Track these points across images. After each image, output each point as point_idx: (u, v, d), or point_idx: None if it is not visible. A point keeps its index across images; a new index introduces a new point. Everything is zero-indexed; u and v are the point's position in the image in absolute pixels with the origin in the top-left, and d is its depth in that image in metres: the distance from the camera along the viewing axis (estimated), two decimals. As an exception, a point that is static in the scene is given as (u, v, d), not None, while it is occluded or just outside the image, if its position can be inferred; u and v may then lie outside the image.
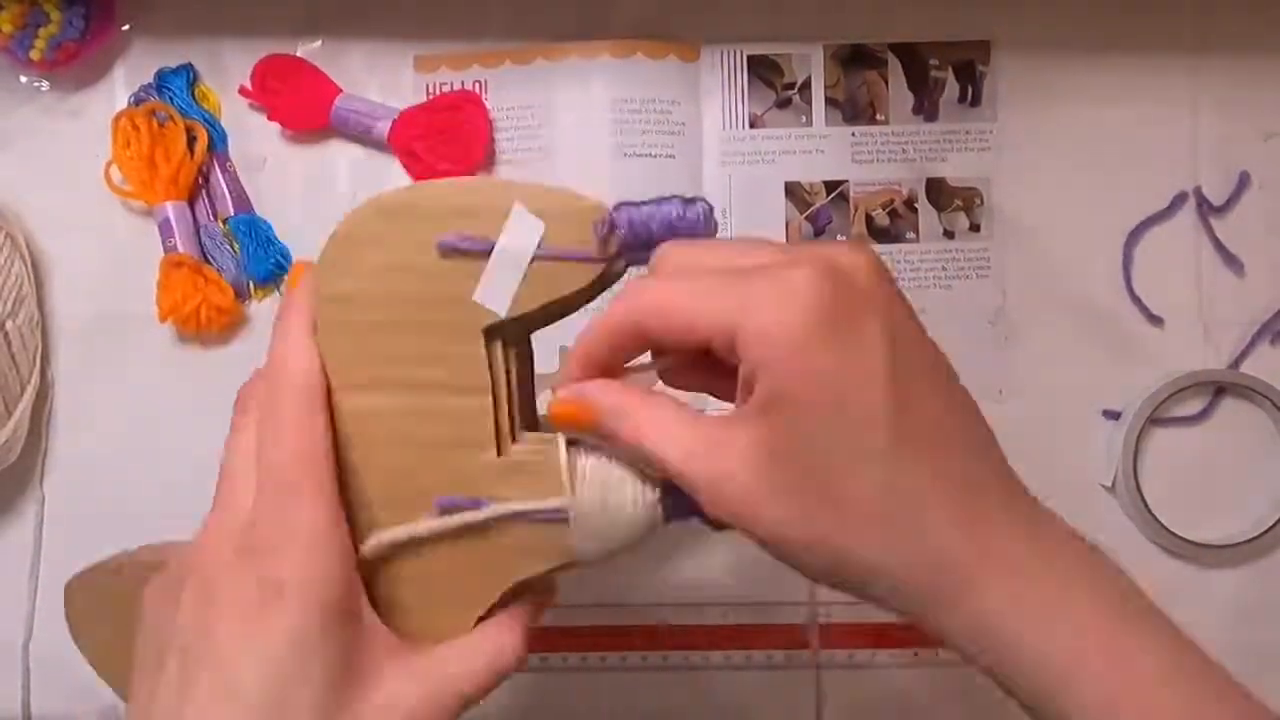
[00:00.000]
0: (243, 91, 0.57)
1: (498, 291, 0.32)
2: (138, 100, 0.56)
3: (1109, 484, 0.56)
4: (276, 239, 0.56)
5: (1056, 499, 0.56)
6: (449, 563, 0.33)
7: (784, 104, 0.57)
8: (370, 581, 0.33)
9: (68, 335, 0.56)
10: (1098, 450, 0.56)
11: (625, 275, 0.35)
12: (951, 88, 0.57)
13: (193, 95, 0.57)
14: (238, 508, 0.31)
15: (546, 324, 0.35)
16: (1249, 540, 0.55)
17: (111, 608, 0.36)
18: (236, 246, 0.56)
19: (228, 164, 0.57)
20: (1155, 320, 0.56)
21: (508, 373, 0.33)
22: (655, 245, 0.32)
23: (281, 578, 0.29)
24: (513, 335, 0.34)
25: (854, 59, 0.57)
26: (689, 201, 0.32)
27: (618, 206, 0.32)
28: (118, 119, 0.55)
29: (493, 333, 0.33)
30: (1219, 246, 0.56)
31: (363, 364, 0.32)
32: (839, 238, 0.57)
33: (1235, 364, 0.56)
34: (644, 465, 0.33)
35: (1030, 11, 0.57)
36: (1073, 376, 0.56)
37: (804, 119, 0.57)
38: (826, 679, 0.55)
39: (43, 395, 0.56)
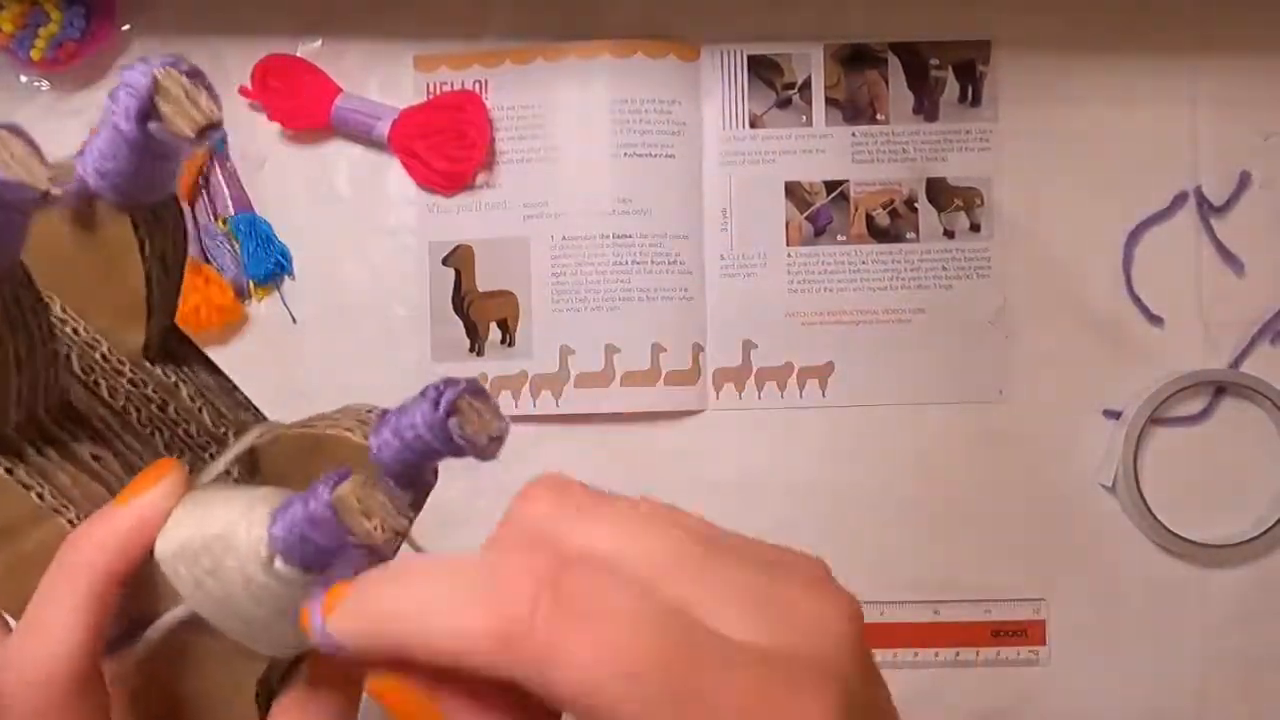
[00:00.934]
0: (243, 91, 0.57)
1: None
2: (138, 100, 0.56)
3: (1109, 484, 0.55)
4: (276, 239, 0.56)
5: (1056, 499, 0.56)
6: (179, 702, 0.26)
7: (784, 104, 0.57)
8: None
9: (68, 335, 0.56)
10: (1098, 450, 0.56)
11: None
12: (951, 87, 0.57)
13: (193, 95, 0.57)
14: None
15: (122, 347, 0.28)
16: (1249, 540, 0.55)
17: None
18: (236, 246, 0.56)
19: (228, 164, 0.57)
20: (1155, 320, 0.56)
21: (75, 462, 0.26)
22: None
23: None
24: (55, 413, 0.26)
25: (854, 59, 0.57)
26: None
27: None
28: (118, 119, 0.55)
29: (8, 443, 0.25)
30: (1219, 246, 0.56)
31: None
32: (839, 238, 0.57)
33: (1235, 364, 0.56)
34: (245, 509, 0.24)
35: (1030, 11, 0.56)
36: (1073, 376, 0.56)
37: (804, 119, 0.57)
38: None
39: (43, 395, 0.56)
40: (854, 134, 0.57)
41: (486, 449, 0.24)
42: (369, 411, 0.27)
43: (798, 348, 0.57)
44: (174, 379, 0.29)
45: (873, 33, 0.57)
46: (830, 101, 0.57)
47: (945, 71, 0.57)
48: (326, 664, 0.25)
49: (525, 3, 0.57)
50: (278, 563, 0.22)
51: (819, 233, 0.57)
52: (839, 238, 0.57)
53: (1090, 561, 0.56)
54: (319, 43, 0.57)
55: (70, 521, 0.25)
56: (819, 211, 0.57)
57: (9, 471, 0.25)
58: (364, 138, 0.56)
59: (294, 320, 0.57)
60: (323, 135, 0.57)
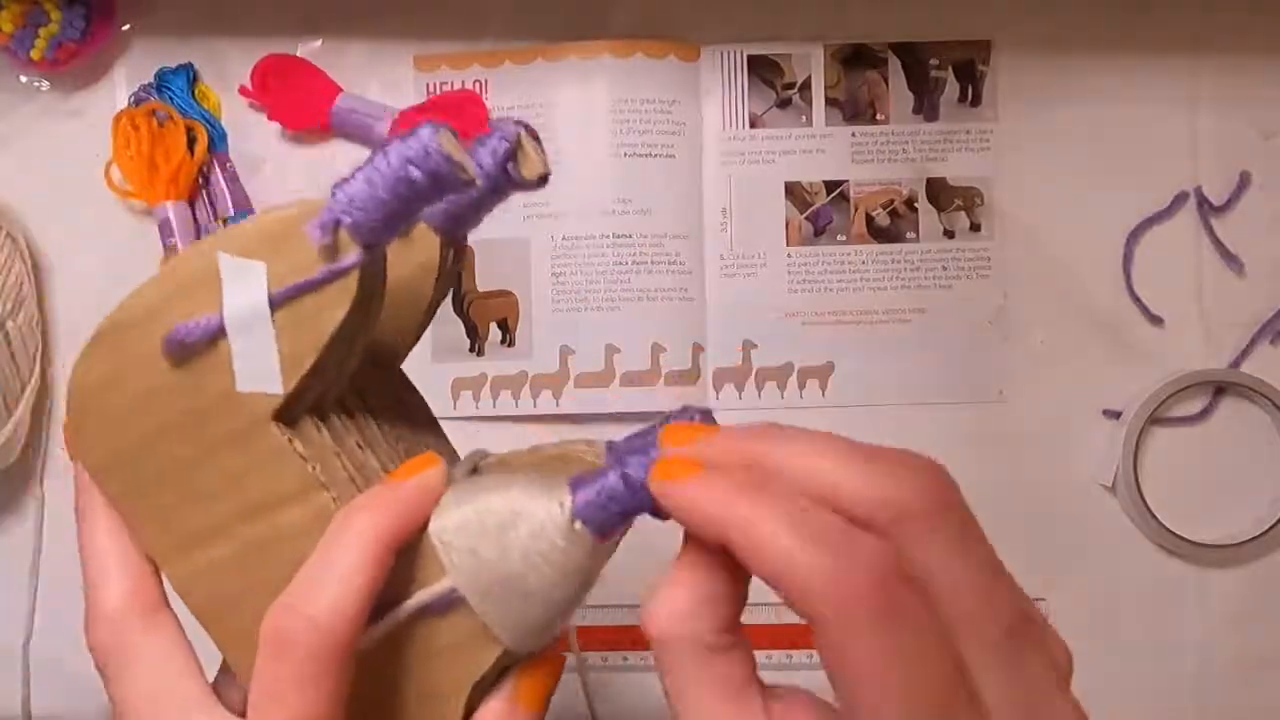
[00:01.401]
0: (243, 91, 0.57)
1: (258, 370, 0.25)
2: (138, 100, 0.56)
3: (1109, 484, 0.56)
4: (276, 239, 0.56)
5: (1056, 499, 0.56)
6: (390, 695, 0.27)
7: (784, 104, 0.57)
8: None
9: (68, 335, 0.56)
10: (1098, 450, 0.56)
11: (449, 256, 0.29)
12: (951, 88, 0.57)
13: (193, 95, 0.57)
14: None
15: (386, 354, 0.30)
16: (1249, 540, 0.55)
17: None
18: (236, 246, 0.56)
19: (228, 164, 0.57)
20: (1155, 320, 0.56)
21: (343, 447, 0.27)
22: (404, 212, 0.24)
23: None
24: (332, 401, 0.27)
25: (854, 59, 0.57)
26: (407, 136, 0.24)
27: (333, 189, 0.24)
28: (118, 119, 0.55)
29: (295, 415, 0.26)
30: (1219, 246, 0.56)
31: (178, 525, 0.27)
32: (839, 238, 0.57)
33: (1235, 364, 0.56)
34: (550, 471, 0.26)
35: (1030, 11, 0.57)
36: (1073, 376, 0.56)
37: (804, 119, 0.57)
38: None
39: (43, 395, 0.56)
40: (854, 134, 0.57)
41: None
42: (592, 443, 0.29)
43: (798, 348, 0.57)
44: (414, 399, 0.31)
45: (873, 33, 0.57)
46: (830, 101, 0.57)
47: (945, 71, 0.57)
48: (530, 679, 0.27)
49: (525, 3, 0.57)
50: (578, 524, 0.24)
51: (819, 233, 0.57)
52: (839, 238, 0.57)
53: (1090, 561, 0.56)
54: (319, 43, 0.57)
55: (333, 500, 0.26)
56: (819, 211, 0.57)
57: (290, 442, 0.25)
58: (364, 138, 0.56)
59: (294, 320, 0.57)
60: (323, 135, 0.57)
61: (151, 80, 0.57)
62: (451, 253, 0.29)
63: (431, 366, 0.56)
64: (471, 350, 0.56)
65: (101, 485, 0.28)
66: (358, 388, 0.29)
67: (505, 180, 0.26)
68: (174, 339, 0.25)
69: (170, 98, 0.56)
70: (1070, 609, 0.55)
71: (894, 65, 0.57)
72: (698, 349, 0.57)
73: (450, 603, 0.25)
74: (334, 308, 0.24)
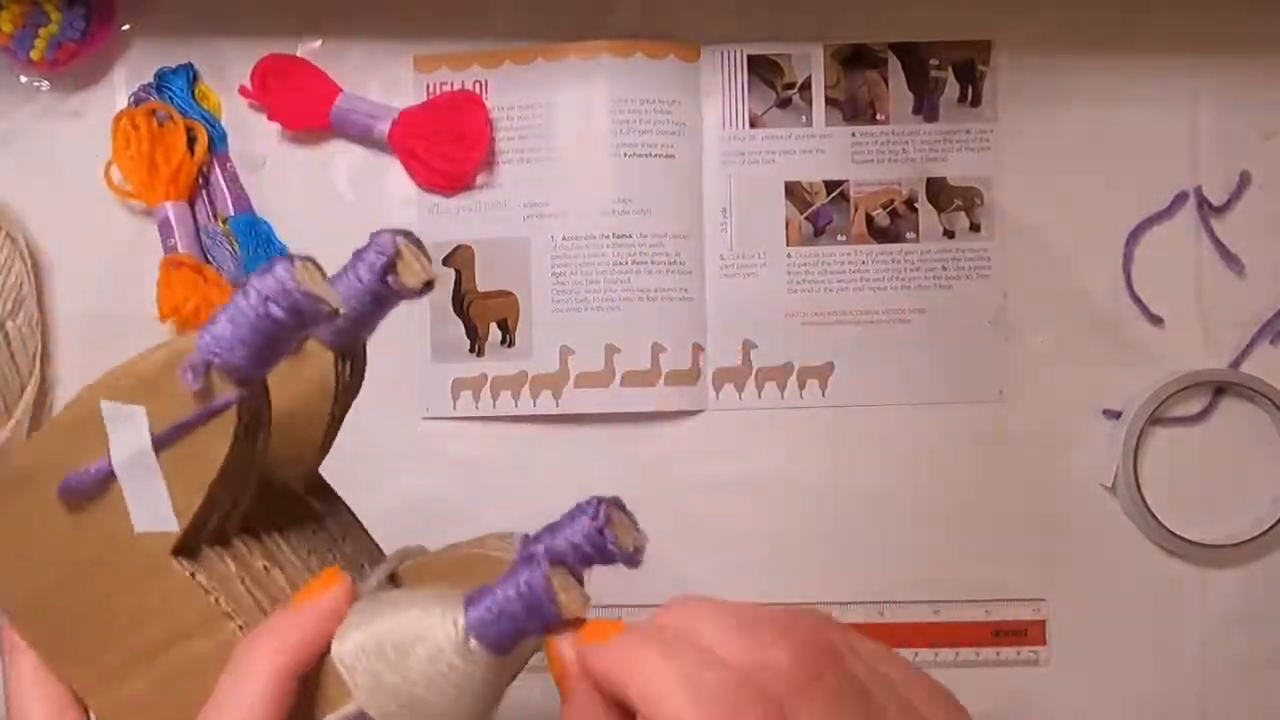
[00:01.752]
0: (243, 91, 0.57)
1: (152, 508, 0.25)
2: (138, 100, 0.56)
3: (1109, 484, 0.56)
4: (276, 239, 0.56)
5: (1056, 499, 0.56)
6: None
7: (784, 104, 0.57)
8: None
9: (68, 335, 0.56)
10: (1098, 450, 0.56)
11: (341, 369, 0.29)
12: (951, 88, 0.57)
13: (193, 95, 0.57)
14: None
15: (292, 467, 0.31)
16: (1249, 540, 0.55)
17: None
18: (236, 246, 0.56)
19: (228, 164, 0.57)
20: (1155, 320, 0.56)
21: (249, 571, 0.27)
22: (278, 346, 0.24)
23: None
24: (235, 527, 0.28)
25: (854, 59, 0.57)
26: (264, 272, 0.23)
27: (200, 332, 0.24)
28: (118, 119, 0.55)
29: (194, 547, 0.27)
30: (1219, 246, 0.56)
31: (92, 661, 0.28)
32: (839, 238, 0.57)
33: (1235, 364, 0.56)
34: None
35: (1030, 11, 0.56)
36: (1073, 376, 0.56)
37: (804, 119, 0.57)
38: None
39: (43, 395, 0.56)
40: (854, 134, 0.57)
41: (633, 558, 0.27)
42: (507, 536, 0.29)
43: (798, 348, 0.57)
44: (322, 510, 0.32)
45: (873, 33, 0.57)
46: (830, 101, 0.57)
47: (945, 72, 0.57)
48: None
49: (525, 3, 0.57)
50: (472, 643, 0.25)
51: (819, 233, 0.57)
52: (839, 238, 0.57)
53: (1090, 561, 0.56)
54: (319, 43, 0.57)
55: (240, 628, 0.26)
56: (819, 211, 0.57)
57: (192, 576, 0.26)
58: (364, 138, 0.56)
59: (294, 320, 0.57)
60: (323, 135, 0.57)
61: (151, 80, 0.57)
62: (348, 365, 0.29)
63: (431, 366, 0.56)
64: (471, 350, 0.56)
65: (20, 629, 0.28)
66: (265, 508, 0.29)
67: (386, 291, 0.26)
68: (67, 486, 0.26)
69: (170, 98, 0.56)
70: (1070, 609, 0.55)
71: (894, 65, 0.57)
72: (698, 349, 0.57)
73: None
74: (217, 444, 0.25)
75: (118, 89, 0.57)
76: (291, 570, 0.28)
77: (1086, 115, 0.57)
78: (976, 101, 0.57)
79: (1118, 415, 0.56)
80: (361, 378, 0.30)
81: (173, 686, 0.27)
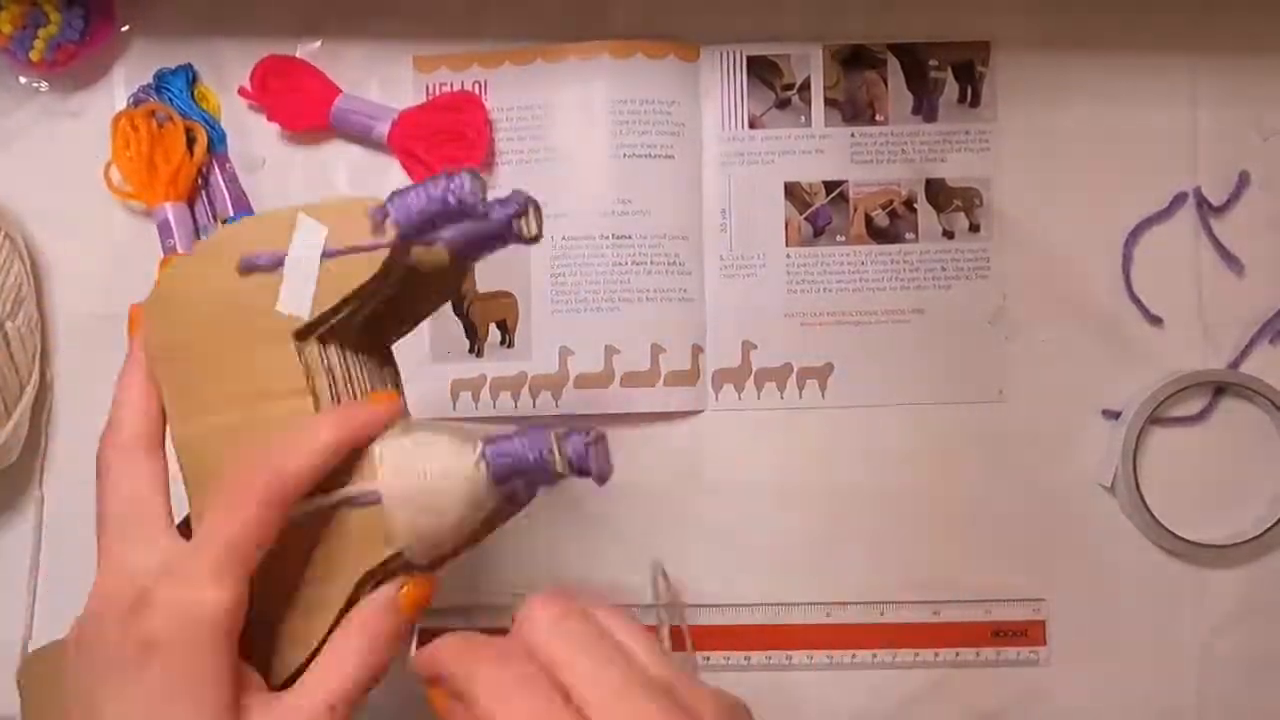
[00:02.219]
0: (242, 92, 0.57)
1: (297, 297, 0.33)
2: (137, 101, 0.56)
3: (1109, 484, 0.56)
4: (276, 239, 0.56)
5: (1056, 499, 0.56)
6: (296, 566, 0.34)
7: (784, 104, 0.57)
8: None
9: (68, 335, 0.56)
10: (1098, 450, 0.56)
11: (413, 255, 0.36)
12: (951, 88, 0.57)
13: (192, 96, 0.57)
14: (115, 569, 0.33)
15: (386, 329, 0.38)
16: (1249, 540, 0.55)
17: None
18: (236, 247, 0.56)
19: (227, 164, 0.57)
20: (1155, 320, 0.56)
21: (333, 373, 0.35)
22: (435, 224, 0.33)
23: (153, 635, 0.30)
24: (343, 339, 0.35)
25: (854, 59, 0.57)
26: (451, 175, 0.33)
27: (391, 195, 0.33)
28: (117, 120, 0.55)
29: (308, 337, 0.34)
30: (1219, 246, 0.56)
31: (196, 395, 0.35)
32: (838, 238, 0.57)
33: (1235, 364, 0.56)
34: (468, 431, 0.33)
35: (1030, 11, 0.57)
36: (1073, 376, 0.56)
37: (803, 119, 0.57)
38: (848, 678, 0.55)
39: (42, 395, 0.56)
40: (853, 134, 0.57)
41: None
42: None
43: (797, 348, 0.57)
44: (393, 369, 0.40)
45: (872, 33, 0.57)
46: (829, 102, 0.57)
47: (944, 72, 0.57)
48: (414, 586, 0.34)
49: (525, 3, 0.57)
50: (482, 466, 0.32)
51: (818, 233, 0.57)
52: (838, 238, 0.57)
53: (1090, 561, 0.56)
54: (319, 43, 0.57)
55: (313, 406, 0.34)
56: (818, 212, 0.57)
57: (298, 355, 0.34)
58: (364, 138, 0.56)
59: (294, 321, 0.57)
60: (322, 136, 0.57)
61: (151, 81, 0.57)
62: (455, 268, 0.36)
63: (431, 367, 0.56)
64: (471, 351, 0.56)
65: (153, 356, 0.35)
66: (365, 343, 0.37)
67: (507, 229, 0.34)
68: (248, 260, 0.34)
69: (170, 98, 0.56)
70: (1070, 609, 0.55)
71: (893, 66, 0.57)
72: (697, 349, 0.57)
73: (369, 501, 0.33)
74: (364, 270, 0.33)
75: (117, 90, 0.57)
76: (359, 388, 0.36)
77: (1086, 115, 0.57)
78: (976, 102, 0.57)
79: (1117, 415, 0.56)
80: (459, 287, 0.41)
81: (243, 433, 0.34)
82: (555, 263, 0.56)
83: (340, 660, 0.32)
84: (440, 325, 0.56)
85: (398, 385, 0.40)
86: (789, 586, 0.56)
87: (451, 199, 0.33)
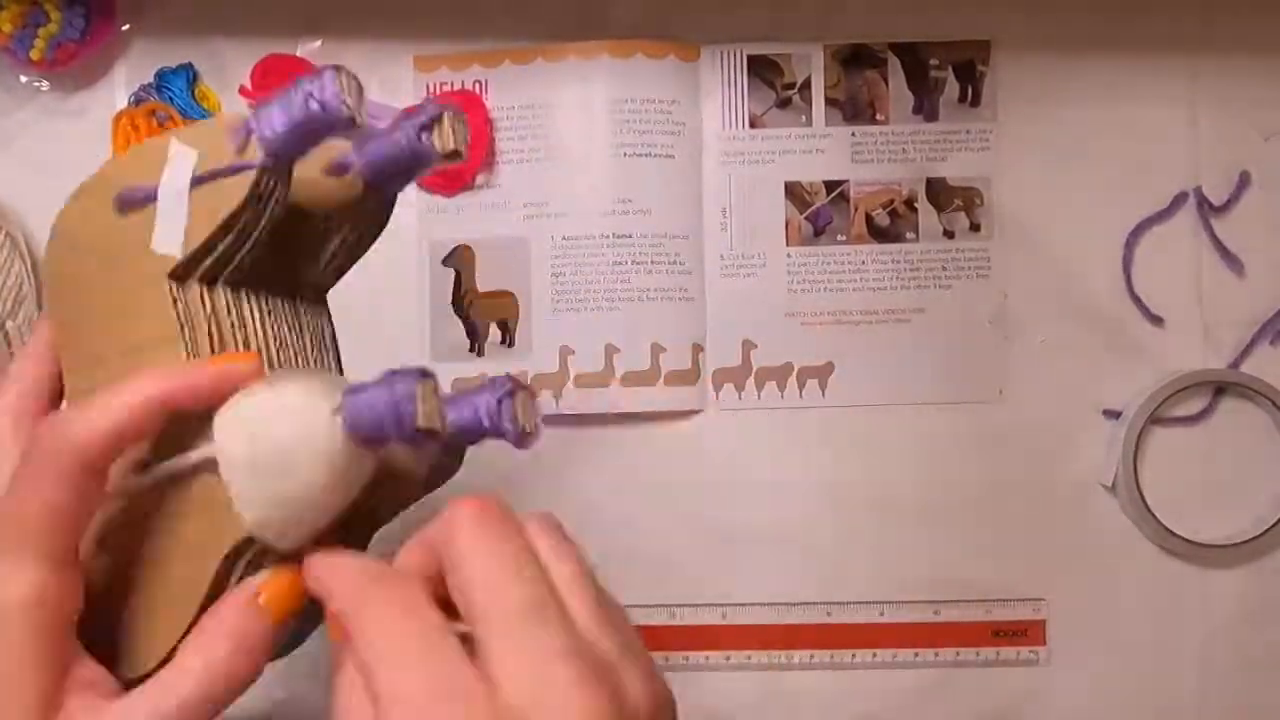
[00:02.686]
0: (243, 91, 0.56)
1: (170, 232, 0.30)
2: (138, 100, 0.56)
3: (1109, 484, 0.55)
4: (276, 239, 0.56)
5: (1056, 499, 0.56)
6: (151, 546, 0.30)
7: (784, 104, 0.57)
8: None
9: (68, 335, 0.56)
10: (1098, 450, 0.56)
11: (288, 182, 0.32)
12: (951, 88, 0.57)
13: (193, 95, 0.57)
14: None
15: (301, 269, 0.35)
16: (1249, 540, 0.55)
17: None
18: (236, 246, 0.56)
19: (228, 164, 0.57)
20: (1155, 320, 0.56)
21: (218, 321, 0.31)
22: (311, 138, 0.30)
23: None
24: (238, 280, 0.32)
25: (854, 59, 0.57)
26: (316, 75, 0.29)
27: (253, 107, 0.30)
28: (118, 119, 0.55)
29: (187, 278, 0.31)
30: (1219, 246, 0.56)
31: (85, 345, 0.32)
32: (839, 238, 0.57)
33: (1235, 364, 0.56)
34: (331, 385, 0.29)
35: (1030, 11, 0.57)
36: (1073, 376, 0.56)
37: (804, 119, 0.57)
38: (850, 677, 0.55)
39: (43, 395, 0.56)
40: (854, 134, 0.57)
41: (525, 438, 0.31)
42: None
43: (798, 348, 0.57)
44: (308, 318, 0.36)
45: (873, 33, 0.57)
46: (830, 101, 0.57)
47: (945, 71, 0.57)
48: (278, 577, 0.30)
49: (525, 3, 0.57)
50: (338, 420, 0.28)
51: (819, 233, 0.57)
52: (839, 238, 0.57)
53: (1090, 561, 0.56)
54: (319, 43, 0.57)
55: (187, 356, 0.30)
56: (819, 211, 0.57)
57: (173, 300, 0.30)
58: (363, 138, 0.56)
59: (294, 320, 0.57)
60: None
61: (151, 80, 0.57)
62: (374, 199, 0.33)
63: (431, 367, 0.56)
64: (471, 350, 0.56)
65: (51, 308, 0.34)
66: (264, 289, 0.33)
67: (418, 146, 0.31)
68: (123, 196, 0.31)
69: (170, 98, 0.56)
70: (1070, 609, 0.55)
71: (894, 65, 0.57)
72: (697, 349, 0.57)
73: (205, 468, 0.29)
74: (232, 196, 0.29)
75: (118, 89, 0.57)
76: (262, 338, 0.32)
77: (1086, 115, 0.57)
78: (976, 101, 0.57)
79: (1118, 415, 0.56)
80: (383, 223, 0.35)
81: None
82: (555, 262, 0.56)
83: (187, 664, 0.28)
84: (441, 325, 0.56)
85: (321, 334, 0.36)
86: (789, 586, 0.56)
87: (314, 104, 0.29)
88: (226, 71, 0.57)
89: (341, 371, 0.36)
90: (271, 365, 0.32)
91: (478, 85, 0.57)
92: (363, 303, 0.58)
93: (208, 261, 0.30)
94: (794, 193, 0.57)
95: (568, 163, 0.56)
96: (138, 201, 0.30)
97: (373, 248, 0.57)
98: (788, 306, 0.57)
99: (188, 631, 0.29)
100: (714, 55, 0.57)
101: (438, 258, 0.57)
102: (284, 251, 0.33)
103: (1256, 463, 0.56)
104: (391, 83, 0.57)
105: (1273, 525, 0.55)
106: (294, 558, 0.30)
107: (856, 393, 0.57)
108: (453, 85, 0.57)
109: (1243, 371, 0.56)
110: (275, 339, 0.33)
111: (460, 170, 0.56)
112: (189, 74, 0.57)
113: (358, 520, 0.32)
